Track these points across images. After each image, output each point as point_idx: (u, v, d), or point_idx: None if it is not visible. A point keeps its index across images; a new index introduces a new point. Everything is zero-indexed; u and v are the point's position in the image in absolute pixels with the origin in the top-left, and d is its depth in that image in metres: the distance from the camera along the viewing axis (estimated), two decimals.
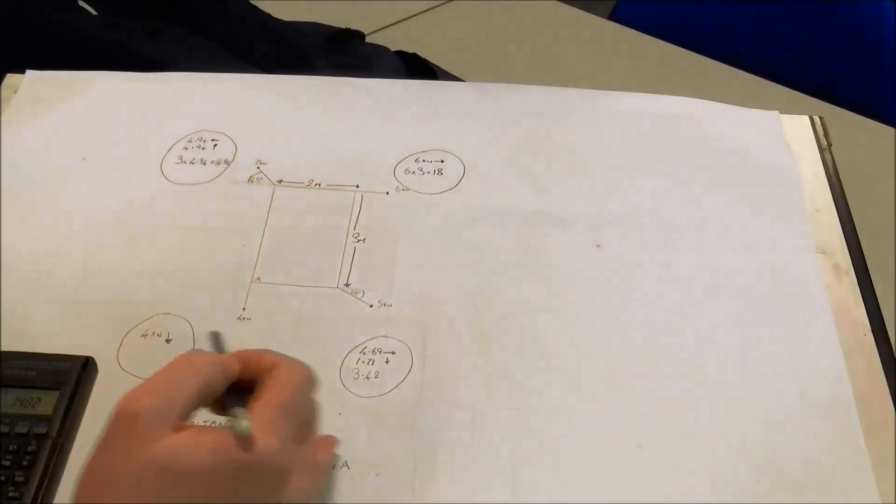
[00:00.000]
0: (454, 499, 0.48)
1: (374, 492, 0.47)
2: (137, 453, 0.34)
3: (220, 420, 0.39)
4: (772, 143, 0.66)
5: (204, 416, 0.42)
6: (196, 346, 0.53)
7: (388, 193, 0.62)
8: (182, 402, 0.36)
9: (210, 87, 0.69)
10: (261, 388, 0.38)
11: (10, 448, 0.47)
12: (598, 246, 0.59)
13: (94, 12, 0.83)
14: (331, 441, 0.42)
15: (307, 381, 0.40)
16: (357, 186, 0.62)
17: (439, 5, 1.06)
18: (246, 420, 0.36)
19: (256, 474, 0.36)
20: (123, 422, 0.35)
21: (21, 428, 0.48)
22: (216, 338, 0.42)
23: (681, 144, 0.66)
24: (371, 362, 0.53)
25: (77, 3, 0.82)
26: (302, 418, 0.39)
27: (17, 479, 0.46)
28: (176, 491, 0.34)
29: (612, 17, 1.15)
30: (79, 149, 0.64)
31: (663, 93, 0.70)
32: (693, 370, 0.53)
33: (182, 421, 0.36)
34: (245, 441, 0.35)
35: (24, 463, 0.46)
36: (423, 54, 0.86)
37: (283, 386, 0.38)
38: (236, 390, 0.39)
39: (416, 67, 0.85)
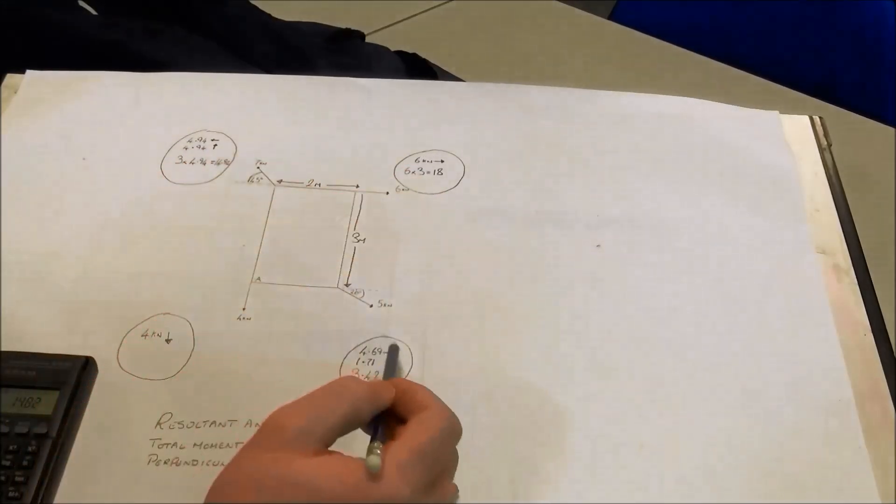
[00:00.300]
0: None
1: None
2: (274, 466, 0.36)
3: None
4: (772, 143, 0.66)
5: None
6: (196, 347, 0.53)
7: (388, 193, 0.62)
8: (327, 427, 0.38)
9: (210, 87, 0.69)
10: (405, 426, 0.39)
11: (10, 448, 0.47)
12: (598, 246, 0.59)
13: (94, 12, 0.83)
14: (452, 488, 0.42)
15: (451, 431, 0.40)
16: (357, 186, 0.62)
17: (439, 5, 1.06)
18: (377, 457, 0.36)
19: None
20: (268, 434, 0.37)
21: (21, 428, 0.48)
22: (393, 354, 0.44)
23: (681, 144, 0.66)
24: (371, 362, 0.53)
25: (77, 3, 0.82)
26: (438, 468, 0.39)
27: (17, 479, 0.46)
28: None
29: (612, 17, 1.14)
30: (79, 149, 0.64)
31: (663, 93, 0.70)
32: (693, 370, 0.53)
33: (324, 445, 0.38)
34: (374, 477, 0.36)
35: (24, 463, 0.46)
36: (423, 54, 0.86)
37: (425, 431, 0.39)
38: (389, 417, 0.40)
39: (416, 67, 0.85)
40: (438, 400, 0.41)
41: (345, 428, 0.38)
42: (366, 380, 0.40)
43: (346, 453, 0.38)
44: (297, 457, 0.36)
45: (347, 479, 0.36)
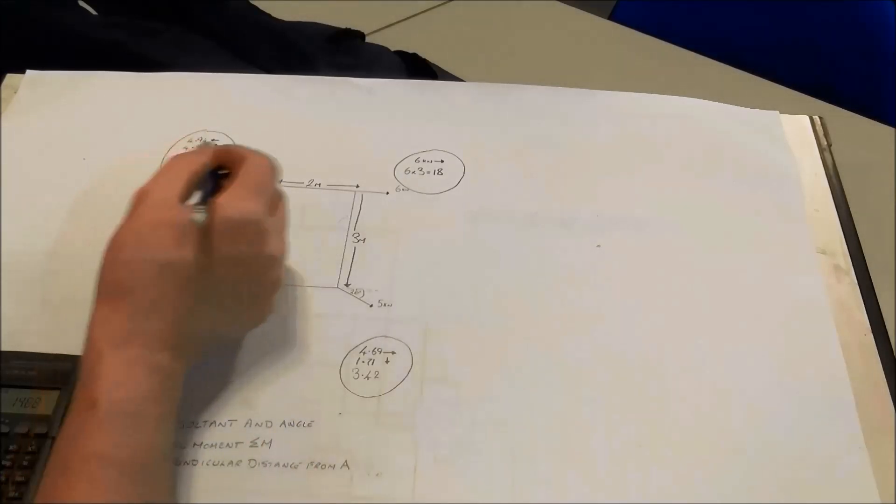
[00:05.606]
0: (454, 499, 0.48)
1: (374, 492, 0.48)
2: (148, 218, 0.45)
3: None
4: (772, 143, 0.66)
5: None
6: None
7: (388, 193, 0.62)
8: (180, 187, 0.46)
9: (210, 87, 0.69)
10: (235, 175, 0.48)
11: (10, 448, 0.47)
12: (598, 246, 0.59)
13: (94, 12, 0.83)
14: (283, 212, 0.52)
15: (272, 168, 0.50)
16: (357, 186, 0.62)
17: (439, 5, 1.06)
18: (202, 213, 0.46)
19: (242, 229, 0.46)
20: (138, 201, 0.46)
21: (21, 428, 0.48)
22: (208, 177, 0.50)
23: (681, 144, 0.66)
24: (371, 362, 0.53)
25: (77, 3, 0.82)
26: (273, 197, 0.50)
27: (17, 479, 0.46)
28: (184, 241, 0.45)
29: (612, 17, 1.14)
30: (79, 149, 0.64)
31: (663, 93, 0.70)
32: (693, 370, 0.53)
33: (181, 202, 0.46)
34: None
35: (24, 463, 0.46)
36: (423, 54, 0.86)
37: (252, 172, 0.49)
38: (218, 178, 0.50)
39: (416, 67, 0.85)
40: (253, 150, 0.50)
41: (192, 187, 0.48)
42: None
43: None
44: (164, 209, 0.45)
45: (214, 213, 0.46)
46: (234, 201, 0.46)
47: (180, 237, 0.45)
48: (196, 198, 0.48)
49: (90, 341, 0.44)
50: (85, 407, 0.42)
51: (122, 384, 0.42)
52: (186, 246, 0.45)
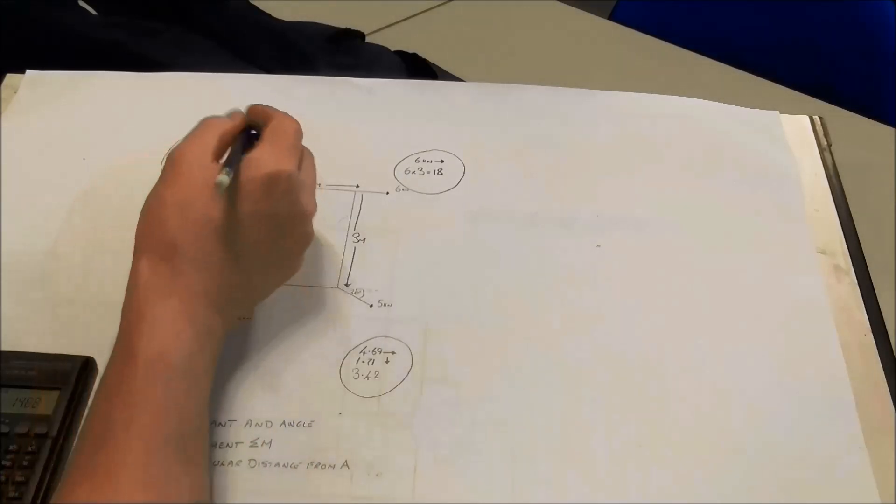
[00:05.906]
0: (454, 498, 0.48)
1: (374, 492, 0.48)
2: (184, 182, 0.46)
3: None
4: (772, 143, 0.66)
5: None
6: None
7: (388, 193, 0.62)
8: (213, 147, 0.48)
9: (210, 87, 0.69)
10: (264, 135, 0.50)
11: (10, 448, 0.47)
12: (598, 246, 0.59)
13: (94, 12, 0.83)
14: (313, 170, 0.54)
15: (298, 128, 0.52)
16: (357, 186, 0.62)
17: (439, 5, 1.06)
18: (227, 177, 0.45)
19: (276, 184, 0.47)
20: (174, 162, 0.47)
21: (21, 428, 0.48)
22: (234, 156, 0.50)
23: (681, 144, 0.66)
24: (371, 362, 0.53)
25: (77, 3, 0.82)
26: (298, 154, 0.51)
27: (17, 479, 0.46)
28: (222, 199, 0.46)
29: (612, 17, 1.14)
30: (79, 149, 0.64)
31: (663, 93, 0.70)
32: (693, 370, 0.53)
33: (216, 160, 0.48)
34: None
35: (24, 463, 0.46)
36: (423, 54, 0.86)
37: (283, 133, 0.50)
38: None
39: (416, 67, 0.85)
40: (278, 110, 0.52)
41: (223, 148, 0.49)
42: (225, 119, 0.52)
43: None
44: (198, 171, 0.46)
45: (247, 171, 0.47)
46: (266, 157, 0.48)
47: (219, 195, 0.46)
48: (227, 157, 0.49)
49: (131, 297, 0.45)
50: (125, 358, 0.42)
51: (163, 336, 0.43)
52: (225, 203, 0.46)
